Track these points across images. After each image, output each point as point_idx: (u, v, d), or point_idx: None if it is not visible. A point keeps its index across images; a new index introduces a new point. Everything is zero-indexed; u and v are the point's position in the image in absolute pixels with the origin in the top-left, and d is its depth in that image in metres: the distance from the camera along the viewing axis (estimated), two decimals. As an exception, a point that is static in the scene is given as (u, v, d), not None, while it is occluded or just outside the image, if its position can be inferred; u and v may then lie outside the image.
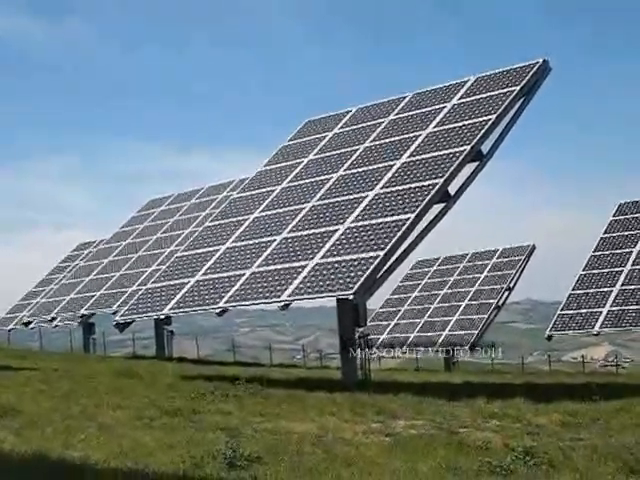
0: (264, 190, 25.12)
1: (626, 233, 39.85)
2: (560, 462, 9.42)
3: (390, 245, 18.56)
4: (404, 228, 18.90)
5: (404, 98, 25.70)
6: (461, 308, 49.31)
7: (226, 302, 20.38)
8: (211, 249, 23.35)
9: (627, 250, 38.74)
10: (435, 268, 55.41)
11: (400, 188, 20.52)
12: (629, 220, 40.53)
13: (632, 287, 35.92)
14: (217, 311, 20.73)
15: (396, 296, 54.02)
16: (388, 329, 50.99)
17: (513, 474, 8.77)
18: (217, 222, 25.01)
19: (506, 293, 50.22)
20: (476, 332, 46.66)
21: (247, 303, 20.39)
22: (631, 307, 34.94)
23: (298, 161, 25.78)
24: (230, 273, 21.34)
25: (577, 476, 8.71)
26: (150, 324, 34.50)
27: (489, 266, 51.72)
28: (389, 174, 21.51)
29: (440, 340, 47.52)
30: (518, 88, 21.99)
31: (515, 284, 50.95)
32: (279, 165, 26.36)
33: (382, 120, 25.11)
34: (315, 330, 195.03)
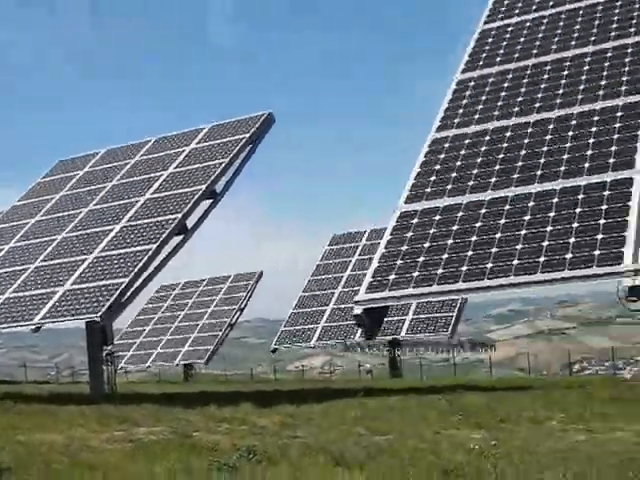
0: (18, 223, 24.06)
1: (338, 260, 41.46)
2: (278, 458, 9.65)
3: (134, 273, 18.34)
4: (146, 257, 18.75)
5: (149, 142, 25.52)
6: (199, 326, 49.32)
7: (-20, 326, 19.39)
8: (-34, 277, 22.08)
9: (339, 275, 40.32)
10: (177, 292, 55.11)
11: (144, 222, 20.35)
12: (340, 250, 42.24)
13: (342, 306, 37.37)
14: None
15: (142, 317, 53.22)
16: (134, 346, 50.12)
17: (238, 470, 8.89)
18: (-29, 252, 23.70)
19: (238, 313, 50.76)
20: (211, 347, 46.81)
21: (1, 327, 19.56)
22: (342, 323, 36.37)
23: (50, 197, 24.90)
24: (-16, 299, 20.28)
25: (291, 468, 8.95)
26: None
27: (223, 289, 52.05)
28: (134, 209, 21.28)
29: (180, 355, 47.35)
30: (247, 135, 22.45)
31: (246, 305, 51.60)
32: (33, 200, 25.36)
33: (129, 161, 24.79)
34: (70, 349, 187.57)
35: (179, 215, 19.86)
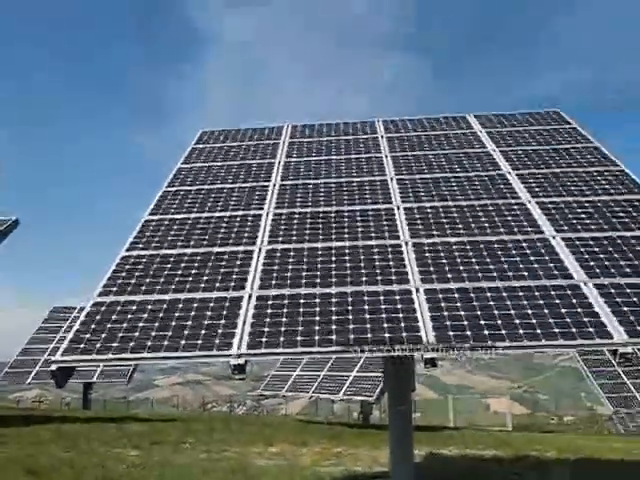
0: None
1: (55, 325, 38.15)
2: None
3: None
4: None
5: None
6: None
7: None
8: None
9: (54, 335, 37.09)
10: None
11: None
12: (58, 316, 38.99)
13: (53, 357, 34.22)
14: None
15: None
16: None
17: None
18: None
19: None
20: None
21: None
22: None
23: None
24: None
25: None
26: None
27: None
28: None
29: None
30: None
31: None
32: None
33: None
34: None
35: None
